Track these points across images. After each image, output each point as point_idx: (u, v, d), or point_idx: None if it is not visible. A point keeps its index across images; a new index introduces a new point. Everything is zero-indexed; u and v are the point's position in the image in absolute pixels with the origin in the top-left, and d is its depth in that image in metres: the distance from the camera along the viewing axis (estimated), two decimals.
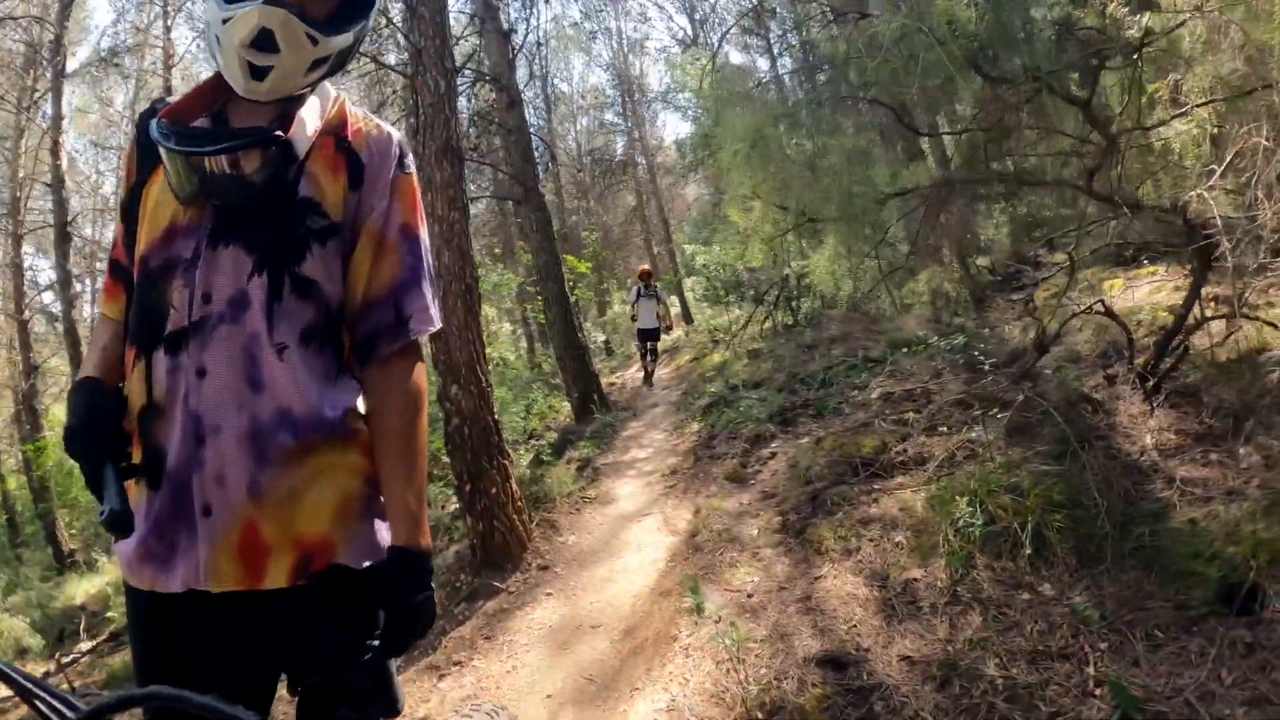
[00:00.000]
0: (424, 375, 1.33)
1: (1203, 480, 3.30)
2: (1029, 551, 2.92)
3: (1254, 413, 3.62)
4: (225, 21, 1.13)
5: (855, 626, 2.85)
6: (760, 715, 2.49)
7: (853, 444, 4.67)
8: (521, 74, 12.45)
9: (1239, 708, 2.23)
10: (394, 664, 1.32)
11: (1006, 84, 2.87)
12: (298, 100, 1.26)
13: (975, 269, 6.54)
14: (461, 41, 9.90)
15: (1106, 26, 2.77)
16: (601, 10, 23.71)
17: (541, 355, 16.30)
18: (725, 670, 2.76)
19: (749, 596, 3.32)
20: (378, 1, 1.32)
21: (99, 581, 9.22)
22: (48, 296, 16.17)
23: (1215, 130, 3.11)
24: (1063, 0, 3.00)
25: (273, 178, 1.20)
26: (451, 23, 6.02)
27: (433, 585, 1.21)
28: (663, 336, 12.00)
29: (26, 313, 12.96)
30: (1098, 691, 2.30)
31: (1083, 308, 4.40)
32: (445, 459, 5.50)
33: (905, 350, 6.08)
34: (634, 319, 11.14)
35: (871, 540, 3.45)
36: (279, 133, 1.19)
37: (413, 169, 1.35)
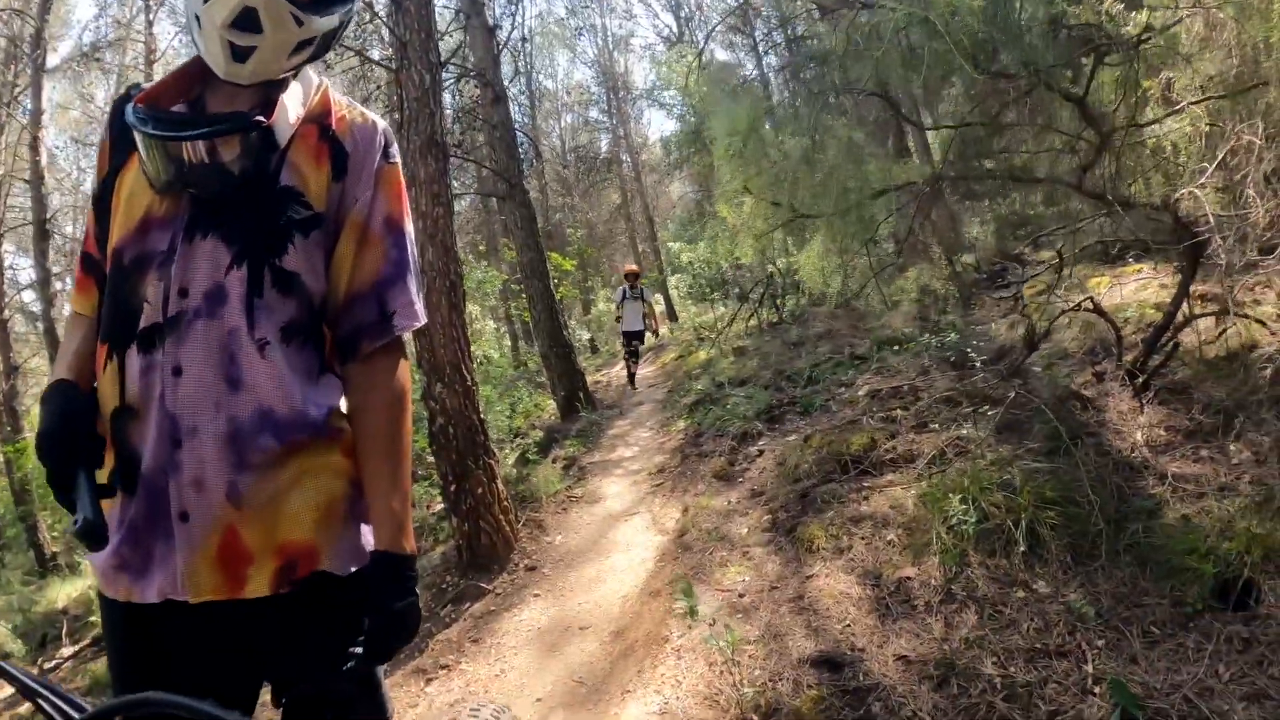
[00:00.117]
0: (408, 373, 1.29)
1: (1194, 476, 3.30)
2: (1023, 549, 2.90)
3: (1244, 409, 3.62)
4: (206, 0, 1.08)
5: (849, 626, 2.81)
6: (755, 718, 2.44)
7: (841, 441, 4.64)
8: (506, 70, 12.36)
9: (1238, 703, 2.22)
10: (381, 670, 1.28)
11: (1005, 79, 2.84)
12: (280, 85, 1.21)
13: (960, 267, 6.54)
14: (446, 37, 9.80)
15: (1103, 23, 2.75)
16: (587, 7, 23.67)
17: (526, 353, 16.21)
18: (718, 672, 2.71)
19: (740, 596, 3.28)
20: None
21: (81, 585, 9.05)
22: (28, 295, 15.86)
23: (1207, 128, 3.10)
24: None
25: (253, 166, 1.14)
26: (436, 17, 5.94)
27: (417, 591, 1.17)
28: (648, 338, 11.91)
29: (6, 312, 12.70)
30: (1096, 689, 2.28)
31: (1072, 305, 4.40)
32: (430, 459, 5.43)
33: (895, 348, 6.06)
34: (619, 320, 11.02)
35: (863, 538, 3.41)
36: (260, 118, 1.14)
37: (398, 159, 1.31)
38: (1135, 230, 4.00)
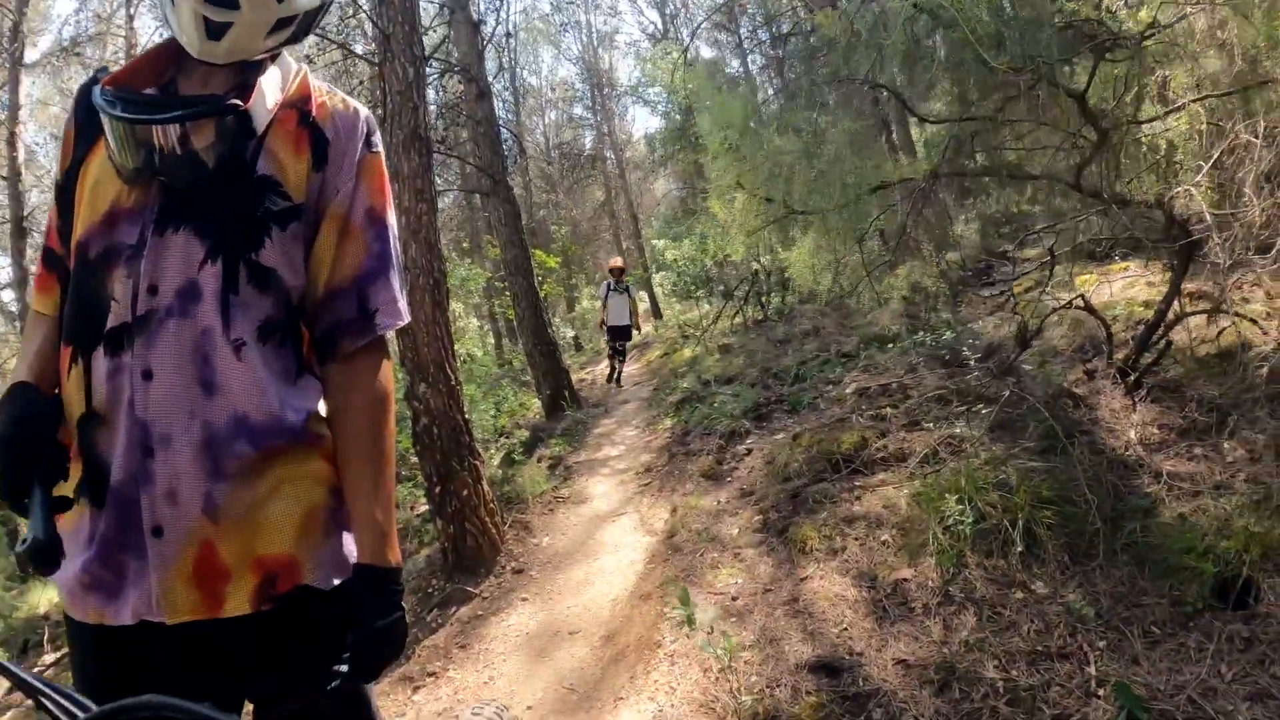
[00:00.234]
0: (391, 374, 1.22)
1: (1189, 475, 3.28)
2: (1020, 549, 2.86)
3: (1237, 408, 3.61)
4: None
5: (846, 629, 2.76)
6: None
7: (831, 440, 4.59)
8: (491, 65, 12.25)
9: (1241, 703, 2.20)
10: (371, 686, 1.22)
11: (1010, 72, 2.79)
12: (257, 68, 1.14)
13: (946, 264, 6.52)
14: (431, 32, 9.68)
15: (1104, 18, 2.71)
16: (572, 3, 23.58)
17: (510, 352, 16.09)
18: (714, 678, 2.65)
19: (733, 600, 3.22)
20: None
21: None
22: (6, 295, 15.56)
23: (1205, 127, 3.07)
24: None
25: (228, 153, 1.08)
26: (421, 11, 5.84)
27: (403, 605, 1.13)
28: (632, 335, 11.65)
29: None
30: (1100, 692, 2.24)
31: (1063, 303, 4.37)
32: (414, 459, 5.33)
33: (890, 346, 6.02)
34: (603, 323, 10.81)
35: (857, 539, 3.36)
36: (236, 102, 1.07)
37: (380, 148, 1.24)
38: (1127, 228, 3.97)
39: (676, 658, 2.88)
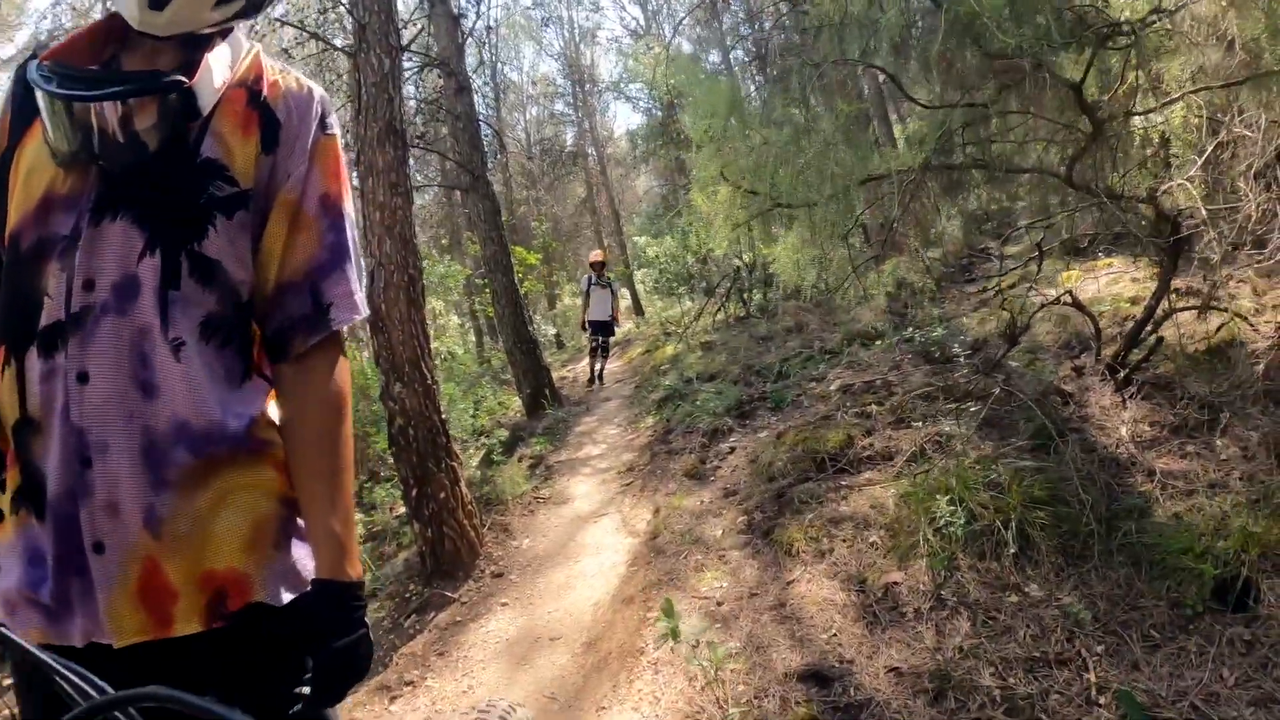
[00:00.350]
0: (347, 374, 1.14)
1: (1183, 473, 3.22)
2: (1013, 550, 2.78)
3: (1228, 404, 3.56)
4: None
5: (836, 636, 2.66)
6: None
7: (816, 438, 4.51)
8: (471, 60, 12.08)
9: (1246, 709, 2.14)
10: (336, 709, 1.12)
11: (1006, 59, 2.70)
12: (204, 44, 1.05)
13: (927, 260, 6.46)
14: (410, 25, 9.51)
15: (1103, 5, 2.63)
16: None
17: (491, 350, 15.92)
18: (699, 688, 2.54)
19: (718, 605, 3.12)
20: None
21: None
22: None
23: (1201, 119, 3.01)
24: None
25: (170, 135, 1.00)
26: (400, 3, 5.71)
27: (366, 622, 1.05)
28: (615, 330, 11.38)
29: None
30: (1101, 699, 2.16)
31: (1051, 299, 4.31)
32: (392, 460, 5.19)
33: (879, 342, 5.94)
34: (584, 326, 10.57)
35: (844, 541, 3.27)
36: (180, 78, 0.99)
37: (336, 131, 1.16)
38: (1115, 223, 3.92)
39: (660, 665, 2.77)
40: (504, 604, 4.03)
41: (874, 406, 4.81)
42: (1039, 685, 2.22)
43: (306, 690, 0.99)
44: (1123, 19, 2.73)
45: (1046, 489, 2.96)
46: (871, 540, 3.18)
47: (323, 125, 1.13)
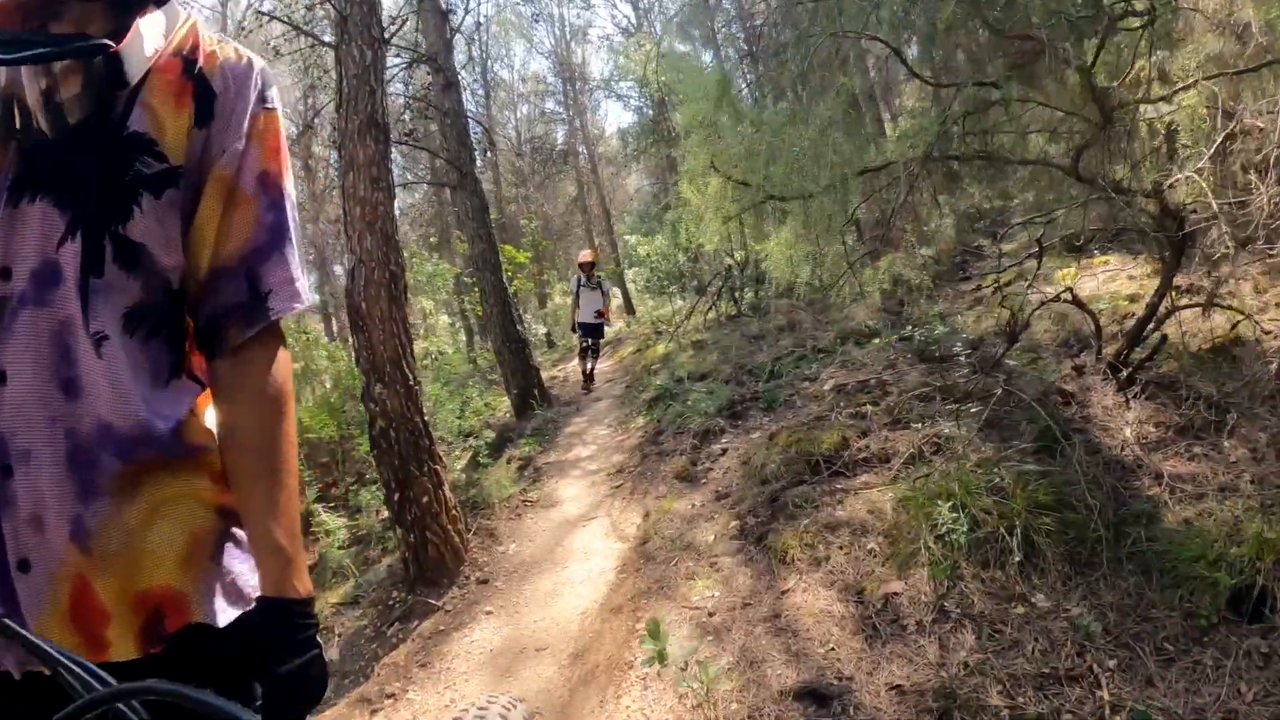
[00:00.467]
0: (288, 367, 1.04)
1: (1191, 476, 3.11)
2: (1018, 559, 2.65)
3: (1235, 404, 3.45)
4: None
5: (833, 650, 2.53)
6: None
7: (810, 439, 4.38)
8: (461, 56, 11.92)
9: None
10: None
11: (1020, 39, 2.57)
12: (135, 8, 0.95)
13: (923, 257, 6.35)
14: (400, 22, 9.34)
15: None
16: None
17: (480, 349, 15.76)
18: (690, 706, 2.41)
19: (710, 615, 2.98)
20: None
21: None
22: None
23: (1217, 106, 2.88)
24: None
25: (95, 106, 0.90)
26: None
27: (319, 642, 0.96)
28: (604, 331, 11.04)
29: None
30: (1116, 719, 2.03)
31: (1050, 297, 4.19)
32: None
33: (876, 340, 5.81)
34: (573, 328, 10.30)
35: (841, 548, 3.15)
36: (105, 41, 0.89)
37: (277, 105, 1.06)
38: (1116, 218, 3.80)
39: (649, 681, 2.64)
40: (489, 612, 3.88)
41: (869, 407, 4.69)
42: (1050, 704, 2.10)
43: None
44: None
45: (1051, 493, 2.84)
46: (869, 547, 3.05)
47: (262, 98, 1.03)
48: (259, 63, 1.05)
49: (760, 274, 10.55)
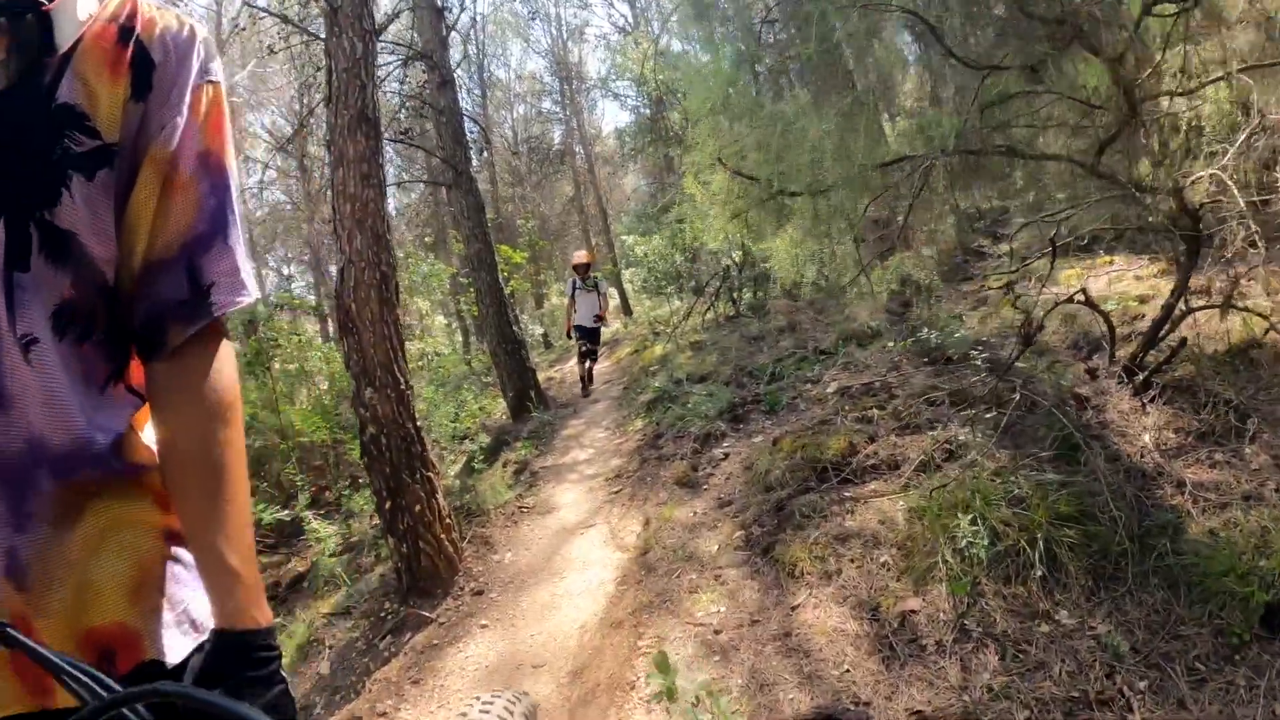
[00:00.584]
0: (233, 367, 0.94)
1: (1214, 484, 2.99)
2: (1040, 573, 2.53)
3: (1255, 409, 3.34)
4: None
5: (848, 672, 2.40)
6: None
7: (815, 444, 4.26)
8: (456, 54, 11.80)
9: None
10: None
11: (1051, 23, 2.44)
12: None
13: (934, 256, 6.24)
14: (396, 20, 9.21)
15: None
16: None
17: (477, 351, 15.62)
18: None
19: (716, 633, 2.85)
20: None
21: None
22: None
23: (1230, 105, 2.76)
24: None
25: (19, 75, 0.79)
26: None
27: (284, 677, 0.86)
28: (601, 334, 10.71)
29: None
30: None
31: (1064, 298, 4.07)
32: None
33: (889, 343, 5.69)
34: (568, 334, 10.07)
35: (853, 560, 3.02)
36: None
37: (220, 78, 0.96)
38: (1129, 217, 3.68)
39: (653, 705, 2.51)
40: (484, 625, 3.75)
41: (875, 411, 4.57)
42: None
43: None
44: None
45: (1073, 504, 2.72)
46: (882, 560, 2.93)
47: (204, 70, 0.93)
48: (202, 31, 0.94)
49: (758, 274, 10.42)
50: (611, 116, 47.36)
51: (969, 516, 2.70)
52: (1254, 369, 3.62)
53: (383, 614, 4.23)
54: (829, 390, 5.45)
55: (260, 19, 9.62)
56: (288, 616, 4.89)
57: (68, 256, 0.81)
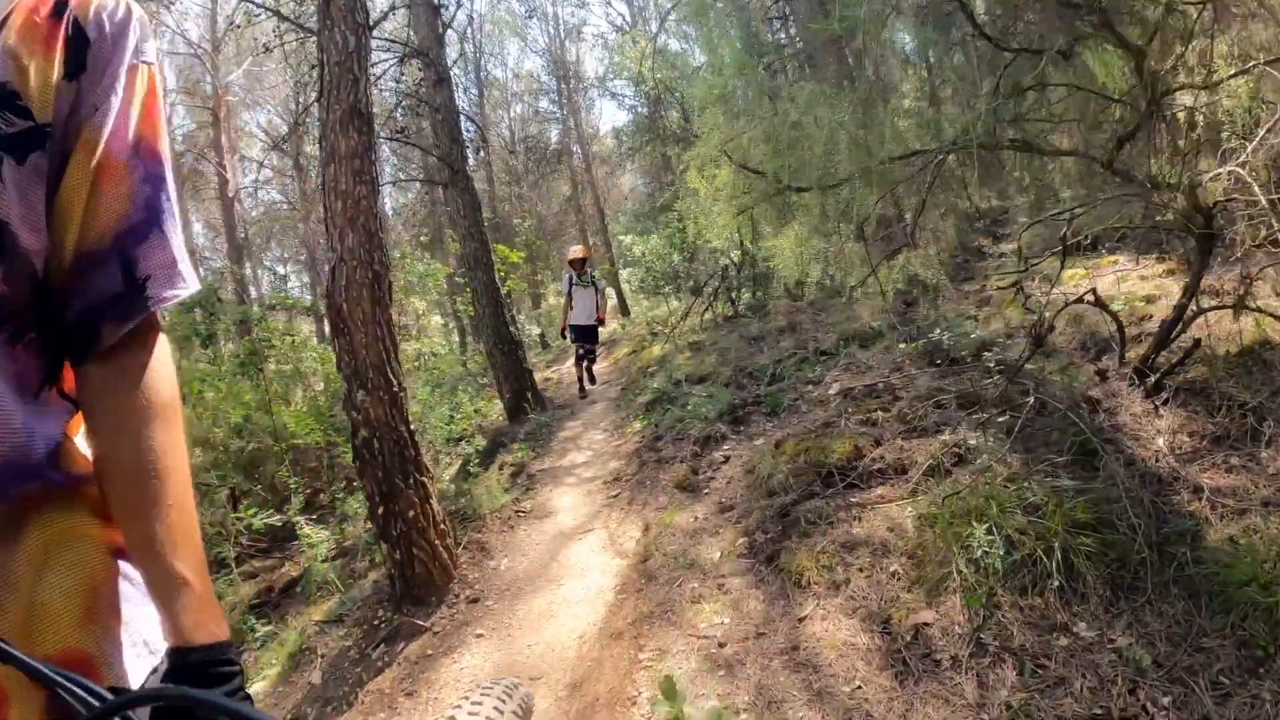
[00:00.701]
0: (172, 368, 0.89)
1: (1231, 489, 2.90)
2: (1057, 584, 2.44)
3: (1271, 411, 3.25)
4: None
5: (860, 689, 2.31)
6: None
7: (819, 448, 4.17)
8: (452, 53, 11.71)
9: None
10: None
11: (1080, 7, 2.34)
12: None
13: (941, 255, 6.15)
14: (392, 16, 9.13)
15: None
16: None
17: (473, 351, 15.51)
18: None
19: (720, 646, 2.75)
20: None
21: None
22: None
23: (1251, 101, 2.68)
24: None
25: None
26: None
27: (248, 694, 0.83)
28: (599, 333, 10.19)
29: None
30: None
31: (1074, 298, 3.98)
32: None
33: (902, 344, 5.59)
34: (564, 333, 9.76)
35: (861, 570, 2.92)
36: None
37: (154, 59, 0.91)
38: (1139, 215, 3.59)
39: None
40: (479, 635, 3.65)
41: (880, 413, 4.48)
42: None
43: None
44: None
45: (1090, 511, 2.63)
46: (892, 570, 2.83)
47: (138, 51, 0.88)
48: (138, 10, 0.89)
49: (757, 274, 10.34)
50: (609, 116, 47.19)
51: (984, 525, 2.60)
52: (1268, 371, 3.53)
53: (376, 622, 4.13)
54: (831, 392, 5.36)
55: (256, 17, 9.54)
56: (280, 623, 4.78)
57: None
